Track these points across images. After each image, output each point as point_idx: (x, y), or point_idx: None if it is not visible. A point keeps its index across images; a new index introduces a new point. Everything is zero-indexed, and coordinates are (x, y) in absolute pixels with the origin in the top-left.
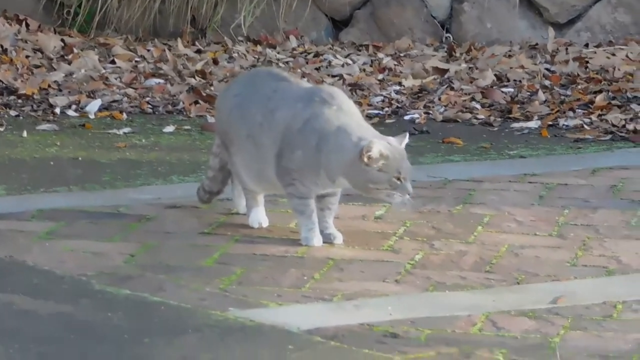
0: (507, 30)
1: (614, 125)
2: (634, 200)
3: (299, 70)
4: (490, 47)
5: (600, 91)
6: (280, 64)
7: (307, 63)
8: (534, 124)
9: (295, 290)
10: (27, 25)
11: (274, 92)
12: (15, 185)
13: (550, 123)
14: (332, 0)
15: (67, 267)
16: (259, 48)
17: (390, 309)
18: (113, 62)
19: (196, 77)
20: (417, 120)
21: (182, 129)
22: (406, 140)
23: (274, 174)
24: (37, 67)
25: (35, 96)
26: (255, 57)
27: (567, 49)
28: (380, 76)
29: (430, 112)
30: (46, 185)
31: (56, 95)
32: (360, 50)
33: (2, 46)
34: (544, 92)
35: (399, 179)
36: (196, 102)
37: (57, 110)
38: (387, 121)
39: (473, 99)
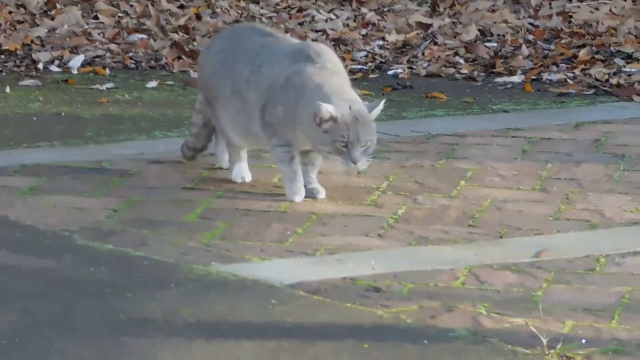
0: None
1: (597, 80)
2: (617, 154)
3: (282, 26)
4: (474, 1)
5: (583, 45)
6: (264, 19)
7: (290, 18)
8: (517, 78)
9: (278, 244)
10: None
11: (261, 47)
12: None
13: (534, 77)
14: None
15: (50, 222)
16: (242, 3)
17: (373, 263)
18: (96, 17)
19: (179, 33)
20: (400, 75)
21: (165, 84)
22: (379, 108)
23: (260, 128)
24: (20, 22)
25: (18, 52)
26: (238, 13)
27: (550, 3)
28: (363, 31)
29: (414, 67)
30: (29, 140)
31: (39, 51)
32: (343, 5)
33: None
34: (527, 47)
35: (345, 145)
36: (179, 58)
37: (40, 66)
38: (371, 76)
39: (456, 53)
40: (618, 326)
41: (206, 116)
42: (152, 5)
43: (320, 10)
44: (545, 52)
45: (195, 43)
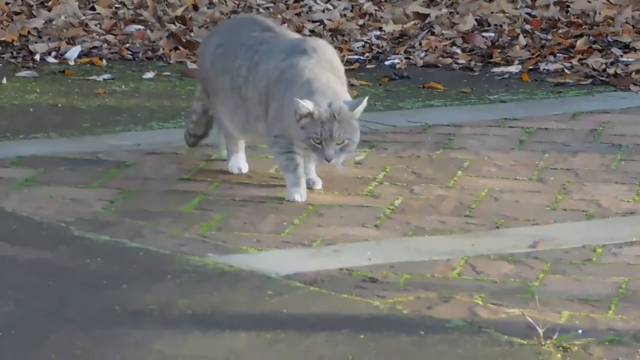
0: None
1: (594, 70)
2: (614, 144)
3: (279, 16)
4: None
5: (581, 35)
6: (261, 10)
7: (287, 9)
8: (514, 68)
9: (275, 235)
10: None
11: (260, 44)
12: None
13: (531, 67)
14: None
15: (46, 213)
16: None
17: (369, 253)
18: (93, 8)
19: (176, 23)
20: (397, 66)
21: (162, 75)
22: (361, 106)
23: (262, 129)
24: (16, 14)
25: (15, 43)
26: (235, 3)
27: None
28: (360, 21)
29: (411, 57)
30: (25, 132)
31: (36, 42)
32: None
33: None
34: (524, 37)
35: (319, 142)
36: (176, 48)
37: (37, 57)
38: (368, 66)
39: (454, 43)
40: (615, 316)
41: (205, 104)
42: None
43: (318, 1)
44: (543, 42)
45: (192, 34)
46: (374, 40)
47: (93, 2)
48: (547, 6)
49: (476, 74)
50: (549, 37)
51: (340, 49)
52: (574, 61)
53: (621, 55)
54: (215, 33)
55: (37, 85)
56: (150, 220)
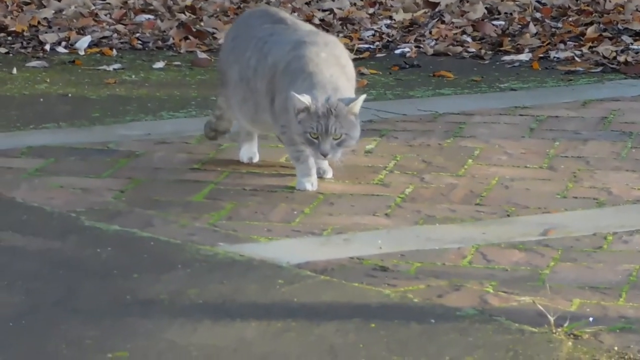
0: None
1: (604, 57)
2: (625, 132)
3: (289, 5)
4: None
5: (591, 23)
6: (271, 0)
7: None
8: (524, 56)
9: (285, 224)
10: None
11: (270, 35)
12: (4, 122)
13: (541, 55)
14: None
15: (56, 203)
16: None
17: (380, 242)
18: None
19: (186, 13)
20: (407, 54)
21: (172, 64)
22: (358, 102)
23: (271, 120)
24: (26, 4)
25: (25, 33)
26: None
27: None
28: (371, 10)
29: (421, 45)
30: (35, 122)
31: (46, 32)
32: None
33: None
34: (534, 25)
35: (315, 137)
36: (186, 38)
37: (47, 47)
38: (378, 55)
39: (464, 32)
40: (625, 304)
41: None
42: None
43: None
44: (553, 30)
45: (202, 23)
46: (384, 29)
47: None
48: None
49: (486, 62)
50: (559, 25)
51: (350, 38)
52: (585, 49)
53: (631, 43)
54: (233, 26)
55: (47, 76)
56: (160, 209)
